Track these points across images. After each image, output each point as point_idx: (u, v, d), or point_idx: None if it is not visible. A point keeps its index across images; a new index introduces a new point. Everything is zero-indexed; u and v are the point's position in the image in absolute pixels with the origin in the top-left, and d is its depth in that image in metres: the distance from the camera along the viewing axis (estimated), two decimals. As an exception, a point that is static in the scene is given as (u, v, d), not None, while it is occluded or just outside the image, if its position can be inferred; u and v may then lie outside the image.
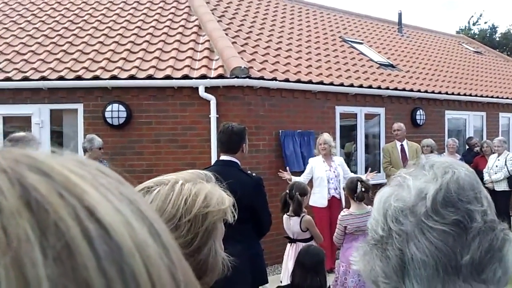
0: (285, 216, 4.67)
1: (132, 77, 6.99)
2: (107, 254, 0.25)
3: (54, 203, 0.25)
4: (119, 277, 0.25)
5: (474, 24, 29.50)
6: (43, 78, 6.97)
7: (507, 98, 12.37)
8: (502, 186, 8.35)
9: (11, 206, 0.24)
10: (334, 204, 6.46)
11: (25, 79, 6.98)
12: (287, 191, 4.66)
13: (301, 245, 4.38)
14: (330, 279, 4.28)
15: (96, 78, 6.99)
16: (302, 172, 6.76)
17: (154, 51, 7.67)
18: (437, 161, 0.89)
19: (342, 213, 4.69)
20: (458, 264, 0.80)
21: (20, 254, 0.23)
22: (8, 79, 6.97)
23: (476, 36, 26.31)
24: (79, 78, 6.98)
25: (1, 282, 0.22)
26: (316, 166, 6.50)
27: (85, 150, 5.82)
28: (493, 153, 8.74)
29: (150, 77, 6.98)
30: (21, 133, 3.94)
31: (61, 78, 6.98)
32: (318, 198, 6.38)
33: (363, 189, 4.60)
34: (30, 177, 0.26)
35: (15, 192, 0.25)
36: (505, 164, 8.32)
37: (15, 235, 0.24)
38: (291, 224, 4.59)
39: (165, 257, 0.28)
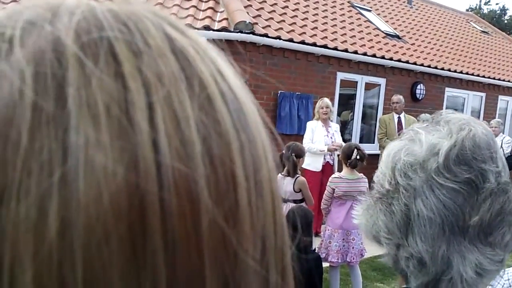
0: (279, 175, 4.66)
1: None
2: (238, 116, 0.26)
3: (195, 58, 0.26)
4: (247, 140, 0.26)
5: (485, 4, 29.05)
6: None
7: (509, 81, 12.29)
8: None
9: (158, 46, 0.25)
10: (327, 169, 6.45)
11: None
12: (283, 151, 4.64)
13: (291, 205, 4.39)
14: (316, 242, 4.32)
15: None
16: (295, 135, 6.71)
17: (158, -3, 7.47)
18: (453, 117, 0.84)
19: (332, 176, 4.69)
20: (465, 225, 0.77)
21: (171, 93, 0.23)
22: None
23: (485, 16, 25.94)
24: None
25: (155, 117, 0.22)
26: (315, 130, 6.46)
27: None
28: (489, 134, 8.70)
29: (152, 24, 6.81)
30: None
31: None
32: (312, 162, 6.36)
33: (358, 157, 4.58)
34: (169, 29, 0.26)
35: (160, 36, 0.25)
36: (501, 147, 8.33)
37: (166, 73, 0.24)
38: (284, 183, 4.59)
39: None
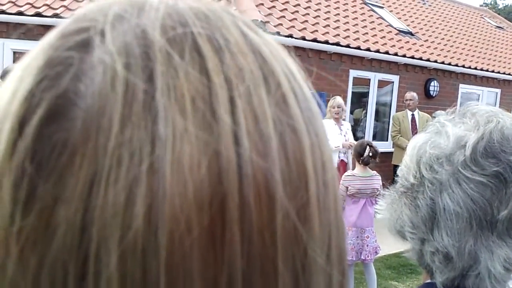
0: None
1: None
2: (308, 115, 0.27)
3: (269, 57, 0.27)
4: (316, 138, 0.27)
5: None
6: (56, 15, 6.83)
7: (524, 77, 12.13)
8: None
9: (237, 43, 0.26)
10: (342, 167, 6.42)
11: (38, 14, 6.85)
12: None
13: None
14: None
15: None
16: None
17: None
18: (480, 109, 0.82)
19: (345, 174, 4.66)
20: (493, 219, 0.75)
21: (250, 89, 0.24)
22: (20, 13, 6.85)
23: (500, 11, 25.63)
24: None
25: (236, 112, 0.23)
26: (328, 128, 6.42)
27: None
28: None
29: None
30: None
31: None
32: (326, 160, 6.32)
33: (370, 154, 4.55)
34: (244, 28, 0.27)
35: (238, 33, 0.26)
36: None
37: (246, 69, 0.25)
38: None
39: None
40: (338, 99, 6.42)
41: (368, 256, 4.36)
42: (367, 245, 4.37)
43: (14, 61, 6.96)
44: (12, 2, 7.00)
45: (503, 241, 0.75)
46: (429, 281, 0.85)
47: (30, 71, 0.24)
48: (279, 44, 0.30)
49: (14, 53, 7.02)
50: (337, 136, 6.39)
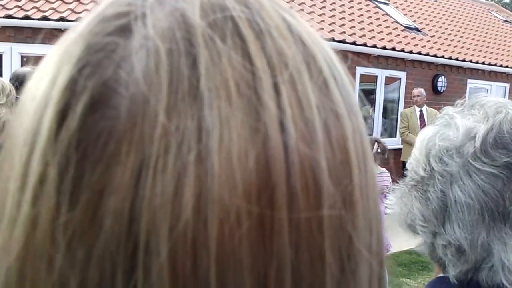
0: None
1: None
2: (348, 101, 0.26)
3: (309, 42, 0.26)
4: (357, 124, 0.26)
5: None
6: (62, 19, 6.87)
7: (533, 70, 12.02)
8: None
9: (278, 27, 0.25)
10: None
11: (44, 18, 6.89)
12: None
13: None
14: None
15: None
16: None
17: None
18: (488, 100, 0.81)
19: (355, 172, 4.64)
20: (506, 210, 0.74)
21: (294, 75, 0.24)
22: (27, 17, 6.89)
23: (507, 5, 25.43)
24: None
25: (281, 99, 0.22)
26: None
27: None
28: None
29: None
30: (27, 68, 3.77)
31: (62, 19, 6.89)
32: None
33: (379, 150, 4.53)
34: (283, 12, 0.27)
35: (278, 17, 0.26)
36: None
37: (288, 54, 0.24)
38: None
39: None
40: None
41: (378, 253, 4.34)
42: (377, 242, 4.35)
43: (22, 65, 7.00)
44: (19, 7, 7.05)
45: (516, 233, 0.74)
46: (441, 275, 0.84)
47: (70, 57, 0.23)
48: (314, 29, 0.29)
49: (22, 57, 7.07)
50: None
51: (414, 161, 0.83)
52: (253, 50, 0.23)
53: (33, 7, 7.05)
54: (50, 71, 0.24)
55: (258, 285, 0.21)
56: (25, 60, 7.05)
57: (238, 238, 0.21)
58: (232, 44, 0.23)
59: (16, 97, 2.29)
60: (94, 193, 0.21)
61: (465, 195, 0.75)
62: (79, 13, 6.95)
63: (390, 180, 4.50)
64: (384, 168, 4.62)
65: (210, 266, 0.20)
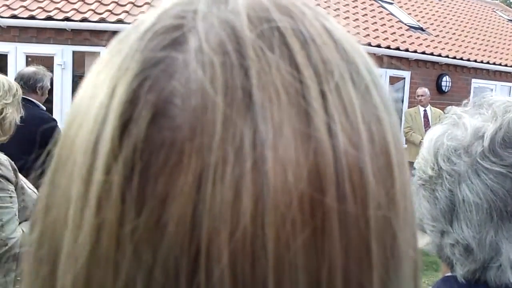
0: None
1: (156, 23, 6.88)
2: (386, 103, 0.27)
3: (349, 48, 0.27)
4: (394, 125, 0.28)
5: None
6: (66, 19, 6.89)
7: (538, 70, 11.98)
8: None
9: (320, 35, 0.26)
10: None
11: (49, 18, 6.91)
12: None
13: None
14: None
15: (120, 21, 6.89)
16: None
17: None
18: (496, 100, 0.81)
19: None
20: (514, 210, 0.74)
21: (339, 83, 0.25)
22: (32, 17, 6.92)
23: None
24: (102, 20, 6.89)
25: (328, 105, 0.23)
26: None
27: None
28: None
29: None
30: (31, 68, 3.78)
31: (84, 20, 6.90)
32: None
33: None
34: (322, 19, 0.28)
35: (319, 25, 0.27)
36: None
37: (332, 62, 0.25)
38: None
39: None
40: None
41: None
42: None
43: (27, 65, 7.03)
44: (24, 7, 7.07)
45: (525, 232, 0.74)
46: (449, 274, 0.84)
47: (127, 71, 0.24)
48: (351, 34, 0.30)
49: (27, 56, 7.10)
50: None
51: (422, 161, 0.83)
52: (300, 59, 0.24)
53: (38, 7, 7.07)
54: (106, 83, 0.25)
55: (311, 285, 0.22)
56: (30, 59, 7.07)
57: (293, 242, 0.22)
58: (279, 54, 0.24)
59: (23, 97, 2.30)
60: (158, 201, 0.22)
61: (473, 194, 0.75)
62: (83, 13, 6.96)
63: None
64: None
65: (268, 270, 0.21)
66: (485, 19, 14.19)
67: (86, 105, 0.25)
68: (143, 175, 0.22)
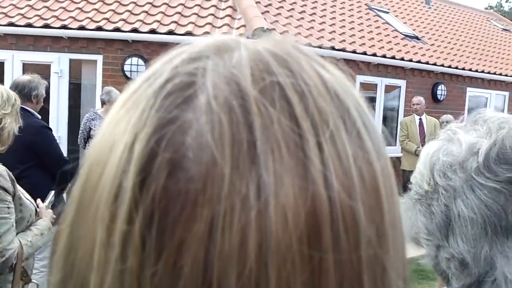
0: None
1: (153, 31, 6.90)
2: (376, 143, 0.29)
3: (343, 95, 0.29)
4: (385, 164, 0.30)
5: (506, 1, 28.55)
6: (63, 27, 6.91)
7: (532, 79, 12.06)
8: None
9: (316, 86, 0.28)
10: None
11: (46, 26, 6.92)
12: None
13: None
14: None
15: (117, 30, 6.91)
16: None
17: (177, 6, 7.54)
18: (491, 116, 0.83)
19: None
20: (508, 225, 0.75)
21: (334, 132, 0.27)
22: (29, 25, 6.92)
23: (506, 14, 25.52)
24: (99, 29, 6.91)
25: (324, 156, 0.26)
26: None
27: (103, 102, 5.76)
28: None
29: (171, 32, 6.88)
30: (26, 76, 3.77)
31: (81, 28, 6.91)
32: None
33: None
34: (317, 67, 0.30)
35: (315, 76, 0.29)
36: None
37: (327, 112, 0.27)
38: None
39: None
40: None
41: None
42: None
43: (23, 73, 7.02)
44: (21, 14, 7.08)
45: (519, 247, 0.76)
46: (445, 287, 0.85)
47: (145, 128, 0.26)
48: (343, 75, 0.32)
49: (24, 64, 7.10)
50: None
51: (419, 175, 0.84)
52: (299, 112, 0.26)
53: (35, 15, 7.08)
54: (126, 137, 0.27)
55: None
56: (27, 67, 7.07)
57: (293, 281, 0.24)
58: (280, 108, 0.26)
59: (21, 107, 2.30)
60: (175, 247, 0.24)
61: (468, 209, 0.77)
62: (80, 21, 6.98)
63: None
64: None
65: None
66: (480, 28, 14.31)
67: (107, 154, 0.28)
68: (161, 224, 0.25)
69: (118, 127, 0.28)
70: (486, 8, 25.04)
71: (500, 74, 11.11)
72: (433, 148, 0.84)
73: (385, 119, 9.33)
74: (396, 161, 7.50)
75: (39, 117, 3.63)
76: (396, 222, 0.30)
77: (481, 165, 0.77)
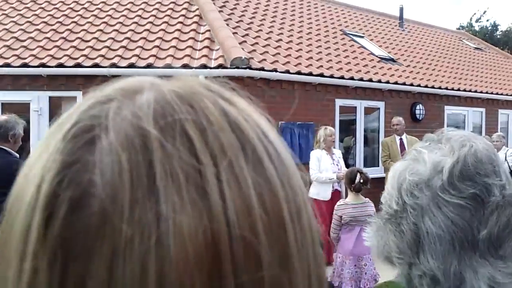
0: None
1: (132, 66, 6.93)
2: (281, 170, 0.31)
3: (245, 126, 0.31)
4: (290, 190, 0.31)
5: (476, 21, 29.40)
6: (42, 65, 6.91)
7: (507, 94, 12.36)
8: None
9: (218, 121, 0.30)
10: (336, 197, 6.41)
11: (24, 65, 6.92)
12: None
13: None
14: (328, 271, 4.27)
15: (96, 66, 6.94)
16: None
17: (154, 40, 7.62)
18: (454, 134, 0.86)
19: (338, 203, 4.67)
20: (475, 239, 0.78)
21: (232, 161, 0.29)
22: (7, 65, 6.92)
23: (477, 33, 26.24)
24: (78, 65, 6.93)
25: (222, 185, 0.28)
26: (320, 158, 6.47)
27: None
28: (492, 149, 8.62)
29: (150, 66, 6.93)
30: (3, 117, 3.76)
31: (60, 66, 6.92)
32: (321, 191, 6.31)
33: (361, 181, 4.58)
34: (222, 102, 0.32)
35: (217, 112, 0.31)
36: (505, 160, 8.24)
37: (226, 144, 0.29)
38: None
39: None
40: (331, 128, 6.55)
41: (367, 285, 4.33)
42: (366, 273, 4.35)
43: (2, 112, 6.98)
44: (16, 55, 7.08)
45: (486, 260, 0.78)
46: (420, 304, 0.87)
47: (50, 170, 0.28)
48: (251, 107, 0.35)
49: (3, 104, 7.06)
50: (330, 165, 6.43)
51: (388, 195, 0.87)
52: (198, 146, 0.28)
53: (13, 55, 7.09)
54: (35, 180, 0.29)
55: None
56: (6, 107, 7.03)
57: None
58: (180, 145, 0.28)
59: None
60: (78, 279, 0.26)
61: (436, 226, 0.79)
62: (59, 58, 7.00)
63: (374, 209, 4.54)
64: (367, 198, 4.67)
65: None
66: (453, 48, 14.68)
67: (21, 196, 0.30)
68: (64, 259, 0.26)
69: (32, 170, 0.30)
70: (458, 28, 25.73)
71: (475, 91, 11.36)
72: (400, 168, 0.87)
73: (366, 140, 9.43)
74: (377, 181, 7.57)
75: (17, 156, 3.61)
76: (305, 243, 0.31)
77: (446, 183, 0.80)
